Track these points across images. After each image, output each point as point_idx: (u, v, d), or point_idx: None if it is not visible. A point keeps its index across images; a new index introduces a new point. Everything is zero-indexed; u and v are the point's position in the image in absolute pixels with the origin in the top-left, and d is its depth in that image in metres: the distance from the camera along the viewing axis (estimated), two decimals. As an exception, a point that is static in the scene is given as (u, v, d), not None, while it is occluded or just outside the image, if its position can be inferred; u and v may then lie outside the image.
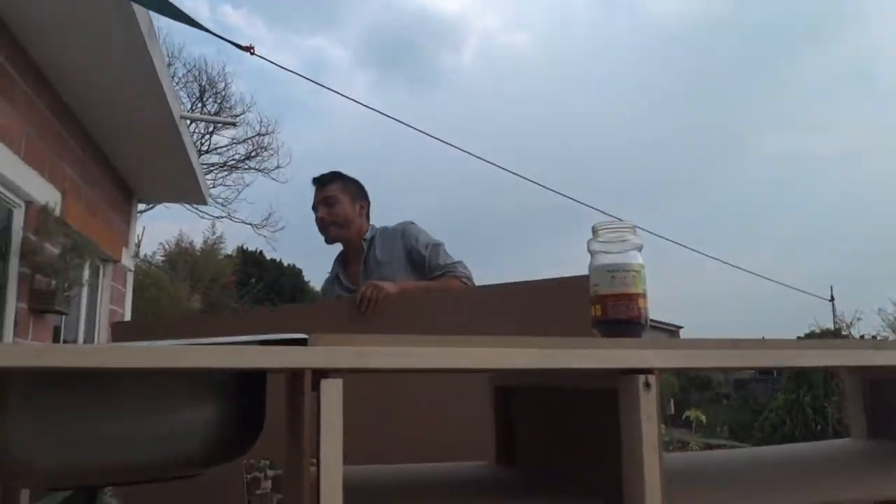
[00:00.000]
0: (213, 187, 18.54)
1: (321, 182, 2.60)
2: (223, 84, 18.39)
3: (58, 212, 4.75)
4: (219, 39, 4.92)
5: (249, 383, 0.94)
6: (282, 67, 5.52)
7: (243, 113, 18.52)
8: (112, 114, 5.23)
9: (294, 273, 44.15)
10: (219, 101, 18.83)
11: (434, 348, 0.84)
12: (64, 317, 5.04)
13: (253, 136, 18.84)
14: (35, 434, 0.81)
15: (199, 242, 24.01)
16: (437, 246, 2.41)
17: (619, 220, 1.21)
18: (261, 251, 37.76)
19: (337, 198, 2.54)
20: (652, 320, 1.13)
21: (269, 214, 20.13)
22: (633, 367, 0.91)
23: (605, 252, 1.12)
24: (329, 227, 2.55)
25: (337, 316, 2.19)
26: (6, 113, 3.99)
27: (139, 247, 12.32)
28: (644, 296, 1.10)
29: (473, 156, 7.01)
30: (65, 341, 5.43)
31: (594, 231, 1.16)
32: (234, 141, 19.17)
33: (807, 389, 12.51)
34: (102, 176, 6.07)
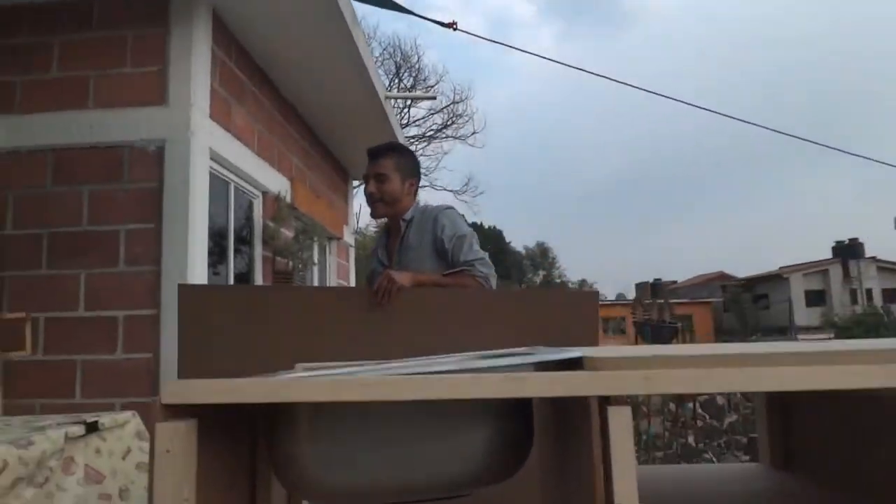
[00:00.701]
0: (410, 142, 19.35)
1: (375, 155, 2.51)
2: (416, 57, 19.01)
3: (288, 198, 5.21)
4: (411, 15, 4.99)
5: (520, 404, 0.91)
6: (482, 38, 5.32)
7: (437, 83, 19.03)
8: (324, 101, 5.58)
9: (495, 235, 45.23)
10: (413, 75, 19.52)
11: (733, 370, 0.70)
12: (301, 293, 5.56)
13: (448, 105, 19.31)
14: (326, 456, 0.85)
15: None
16: (462, 238, 2.37)
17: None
18: (462, 215, 39.12)
19: (388, 175, 2.47)
20: None
21: (468, 180, 20.58)
22: None
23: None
24: (377, 203, 2.50)
25: (359, 303, 2.20)
26: (241, 115, 4.41)
27: (358, 222, 13.21)
28: None
29: (665, 97, 6.43)
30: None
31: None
32: (431, 111, 19.80)
33: None
34: (321, 160, 6.54)
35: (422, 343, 1.64)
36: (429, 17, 4.49)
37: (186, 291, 2.23)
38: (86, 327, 3.62)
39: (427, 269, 2.35)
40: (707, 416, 7.60)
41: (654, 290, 35.04)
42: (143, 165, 3.65)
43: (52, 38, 3.79)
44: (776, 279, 31.77)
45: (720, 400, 8.01)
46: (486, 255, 2.40)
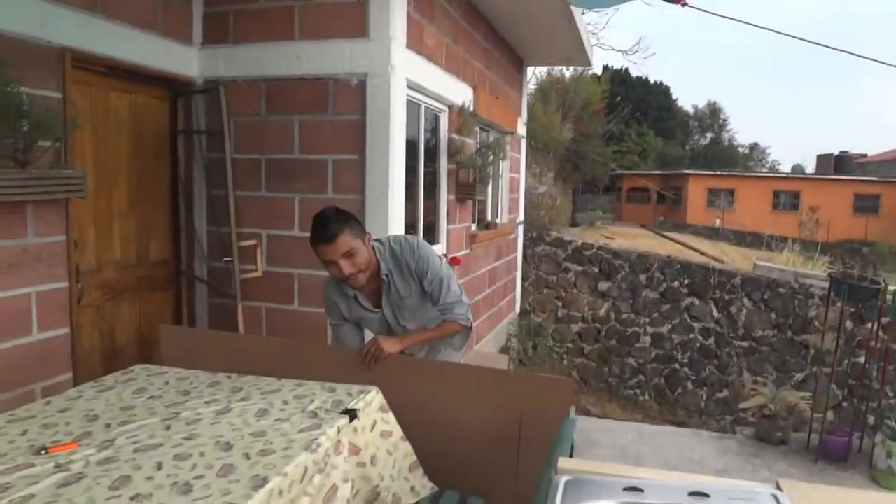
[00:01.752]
0: (583, 13, 18.10)
1: (331, 238, 2.34)
2: None
3: (471, 107, 5.23)
4: None
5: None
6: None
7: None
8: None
9: (661, 90, 42.20)
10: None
11: None
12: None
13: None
14: None
15: (568, 71, 24.18)
16: (440, 281, 2.57)
17: None
18: (626, 69, 36.55)
19: (354, 248, 2.38)
20: None
21: (640, 39, 19.14)
22: None
23: None
24: (357, 276, 2.43)
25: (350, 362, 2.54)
26: (432, 34, 4.39)
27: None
28: None
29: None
30: (480, 216, 6.21)
31: None
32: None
33: None
34: (500, 57, 6.40)
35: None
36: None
37: (167, 332, 2.80)
38: (300, 246, 4.04)
39: (428, 309, 2.65)
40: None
41: (838, 163, 31.55)
42: (347, 98, 3.82)
43: (260, -33, 3.92)
44: None
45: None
46: (460, 291, 2.64)
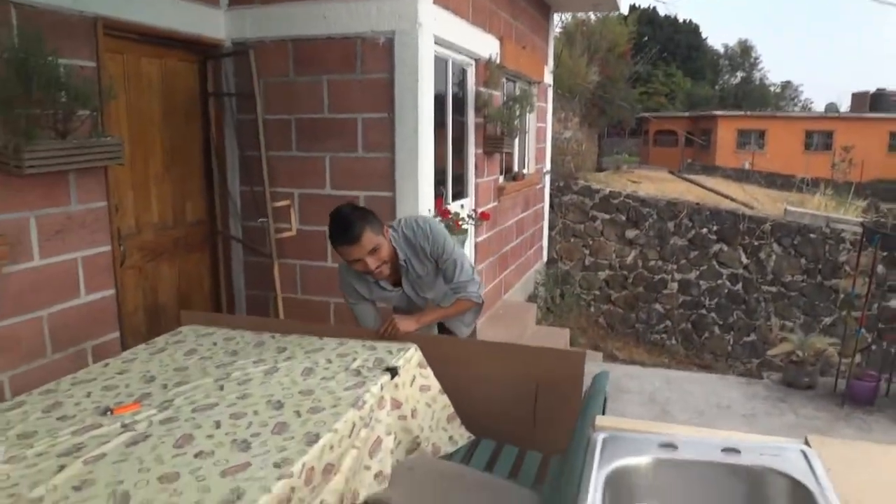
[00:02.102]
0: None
1: (355, 239, 2.38)
2: None
3: (498, 59, 5.17)
4: None
5: None
6: None
7: None
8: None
9: (690, 29, 40.82)
10: None
11: None
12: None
13: None
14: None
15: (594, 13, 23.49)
16: (453, 261, 2.67)
17: None
18: (654, 8, 35.35)
19: (378, 244, 2.44)
20: None
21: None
22: None
23: None
24: (382, 268, 2.52)
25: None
26: (457, -15, 4.32)
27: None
28: None
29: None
30: (507, 167, 6.20)
31: None
32: None
33: None
34: (527, 5, 6.27)
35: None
36: None
37: (188, 318, 2.82)
38: (333, 204, 4.09)
39: (442, 283, 2.77)
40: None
41: (874, 101, 30.43)
42: (375, 56, 3.82)
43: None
44: None
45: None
46: (472, 270, 2.75)
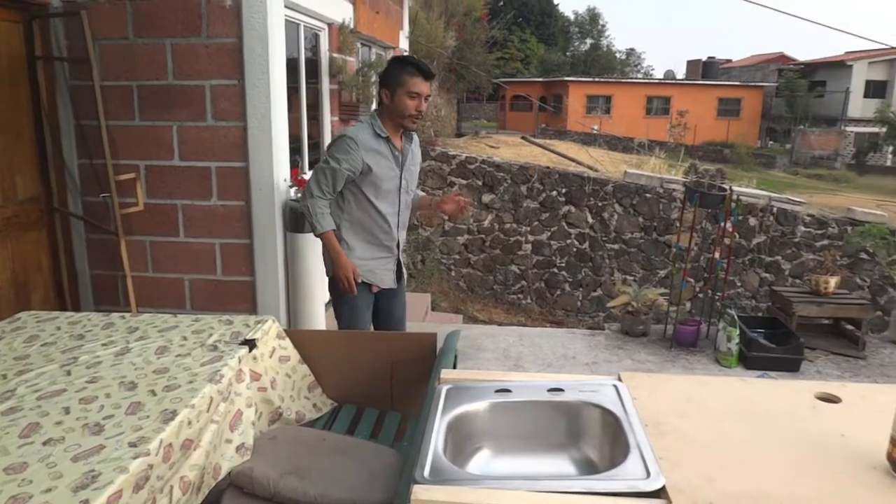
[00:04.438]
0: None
1: (433, 76, 2.92)
2: None
3: (352, 24, 5.15)
4: None
5: None
6: None
7: None
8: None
9: (542, -2, 42.16)
10: None
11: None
12: (364, 118, 5.74)
13: None
14: None
15: (450, -23, 23.60)
16: (421, 172, 3.26)
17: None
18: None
19: (430, 94, 2.94)
20: None
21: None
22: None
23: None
24: (417, 119, 2.94)
25: None
26: (306, -50, 4.24)
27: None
28: None
29: None
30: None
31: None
32: None
33: None
34: (378, -31, 6.23)
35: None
36: None
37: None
38: (183, 175, 3.96)
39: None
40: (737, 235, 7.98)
41: (705, 68, 33.35)
42: (222, 20, 3.69)
43: None
44: (838, 67, 29.73)
45: (752, 221, 8.33)
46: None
